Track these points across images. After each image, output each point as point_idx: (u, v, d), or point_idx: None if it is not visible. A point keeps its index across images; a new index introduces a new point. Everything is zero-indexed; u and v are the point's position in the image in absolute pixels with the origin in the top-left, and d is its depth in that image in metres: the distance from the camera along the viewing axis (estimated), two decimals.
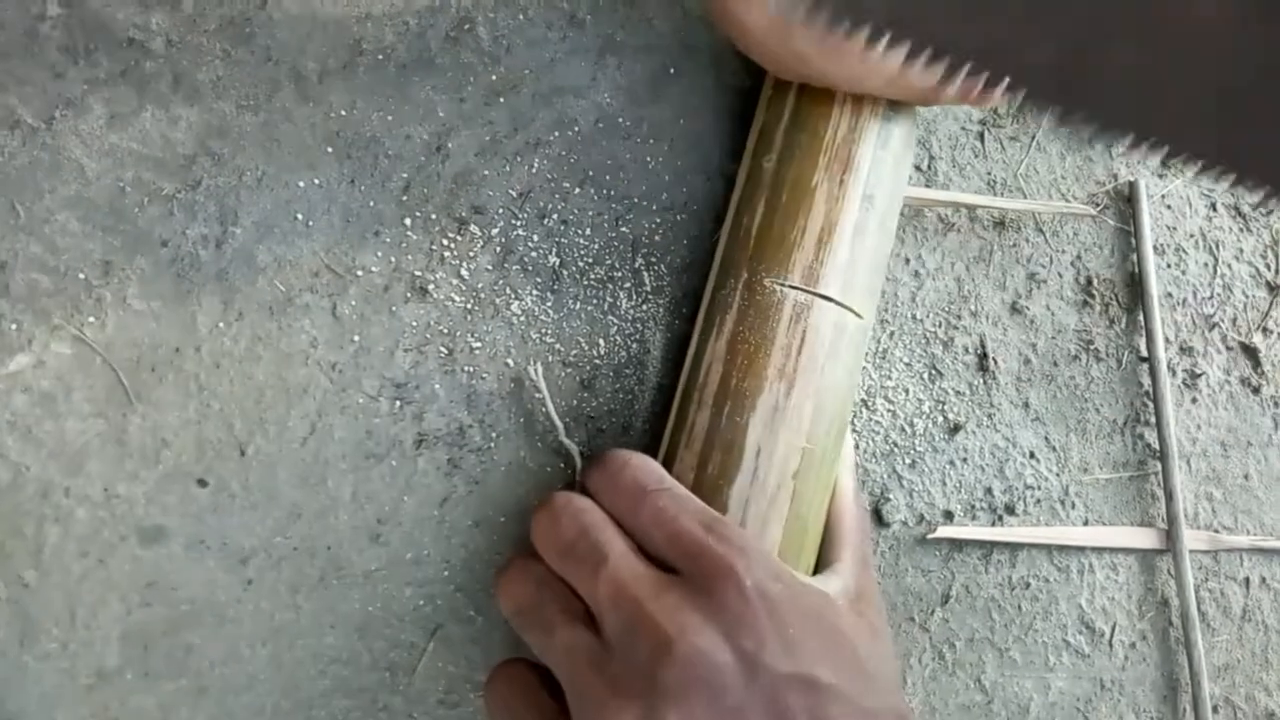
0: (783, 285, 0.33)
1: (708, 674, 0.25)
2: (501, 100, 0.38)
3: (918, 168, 0.42)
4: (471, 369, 0.36)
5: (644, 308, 0.38)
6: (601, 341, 0.38)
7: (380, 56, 0.36)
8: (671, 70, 0.39)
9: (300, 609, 0.34)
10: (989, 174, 0.43)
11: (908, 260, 0.41)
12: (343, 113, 0.36)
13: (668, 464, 0.34)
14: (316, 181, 0.36)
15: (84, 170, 0.34)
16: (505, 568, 0.32)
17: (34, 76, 0.33)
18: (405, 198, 0.36)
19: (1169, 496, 0.42)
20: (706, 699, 0.25)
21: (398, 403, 0.35)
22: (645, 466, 0.31)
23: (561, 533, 0.29)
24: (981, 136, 0.43)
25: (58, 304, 0.33)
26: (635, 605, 0.26)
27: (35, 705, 0.32)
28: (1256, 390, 0.45)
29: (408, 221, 0.36)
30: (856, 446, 0.40)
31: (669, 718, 0.25)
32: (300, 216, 0.35)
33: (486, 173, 0.37)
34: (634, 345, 0.38)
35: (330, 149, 0.36)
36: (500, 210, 0.37)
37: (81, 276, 0.33)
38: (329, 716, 0.34)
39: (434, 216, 0.37)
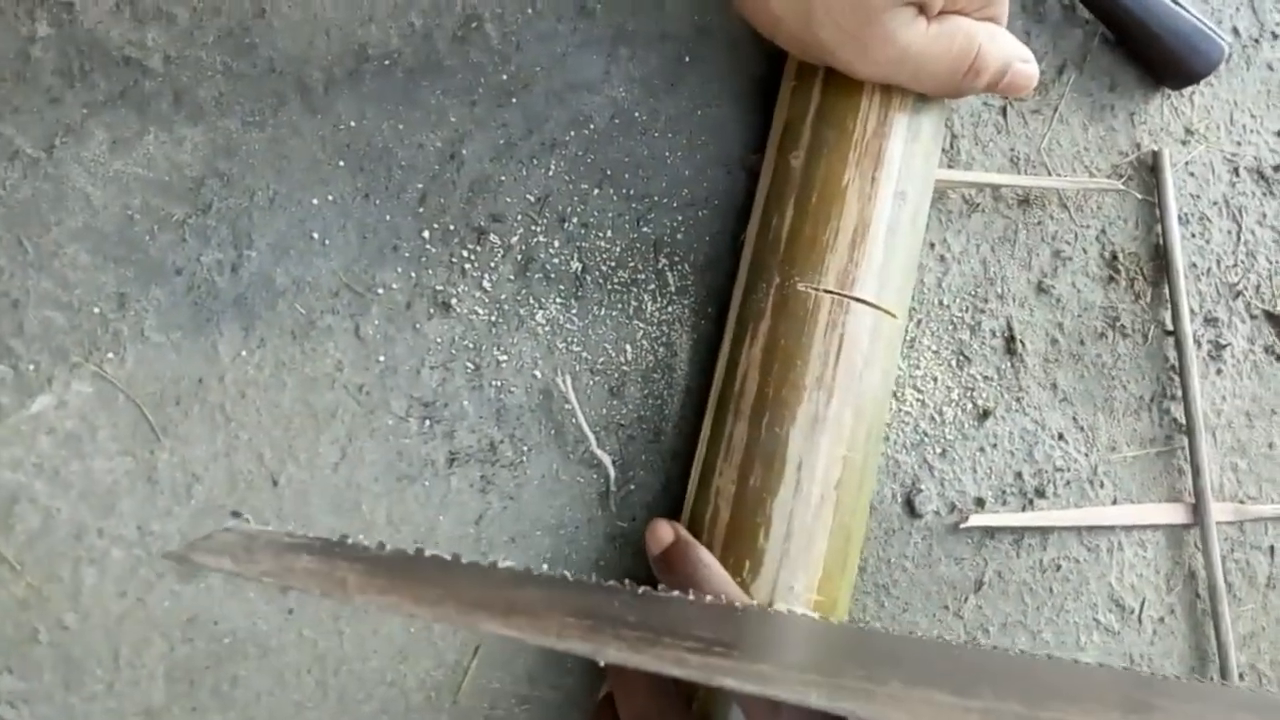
0: (817, 290, 0.33)
1: None
2: (514, 101, 0.36)
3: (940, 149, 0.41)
4: (499, 383, 0.36)
5: (669, 309, 0.38)
6: (628, 347, 0.37)
7: (387, 62, 0.35)
8: (686, 58, 0.38)
9: (343, 634, 0.34)
10: (1012, 150, 0.42)
11: (933, 245, 0.41)
12: (352, 124, 0.35)
13: (706, 475, 0.34)
14: (330, 198, 0.35)
15: (90, 199, 0.32)
16: None
17: (30, 103, 0.32)
18: (422, 209, 0.35)
19: (1196, 471, 0.42)
20: None
21: (427, 422, 0.35)
22: None
23: None
24: (1004, 111, 0.42)
25: (74, 341, 0.32)
26: None
27: None
28: None
29: (426, 234, 0.35)
30: (886, 438, 0.39)
31: None
32: (316, 235, 0.34)
33: (503, 178, 0.36)
34: (661, 349, 0.37)
35: (342, 162, 0.35)
36: (519, 217, 0.36)
37: (96, 311, 0.32)
38: None
39: (452, 227, 0.36)
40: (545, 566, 0.36)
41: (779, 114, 0.36)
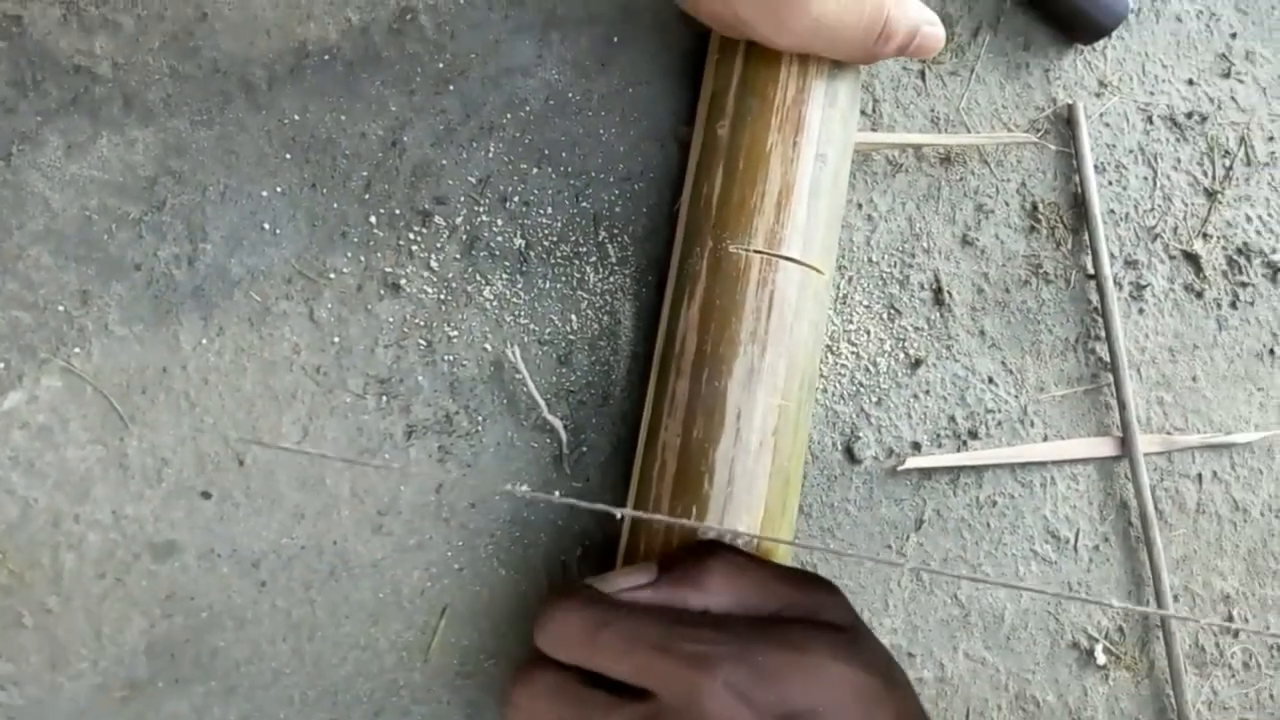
0: (747, 250, 0.35)
1: None
2: (451, 88, 0.38)
3: (863, 112, 0.43)
4: (451, 357, 0.37)
5: (611, 279, 0.39)
6: (574, 317, 0.39)
7: (326, 56, 0.37)
8: (615, 39, 0.40)
9: (315, 603, 0.36)
10: (932, 111, 0.44)
11: (860, 205, 0.43)
12: (296, 117, 0.36)
13: (652, 432, 0.36)
14: (279, 189, 0.36)
15: (49, 203, 0.34)
16: None
17: None
18: (367, 196, 0.37)
19: (1122, 405, 0.45)
20: None
21: (384, 398, 0.37)
22: (576, 610, 0.30)
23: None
24: (922, 74, 0.44)
25: (42, 338, 0.34)
26: None
27: None
28: (1199, 295, 0.47)
29: (373, 219, 0.37)
30: (824, 390, 0.42)
31: None
32: (267, 226, 0.36)
33: (444, 162, 0.38)
34: (605, 317, 0.39)
35: (288, 155, 0.36)
36: (462, 198, 0.38)
37: (61, 309, 0.34)
38: (354, 700, 0.36)
39: (398, 212, 0.37)
40: (504, 529, 0.38)
41: (705, 87, 0.38)
